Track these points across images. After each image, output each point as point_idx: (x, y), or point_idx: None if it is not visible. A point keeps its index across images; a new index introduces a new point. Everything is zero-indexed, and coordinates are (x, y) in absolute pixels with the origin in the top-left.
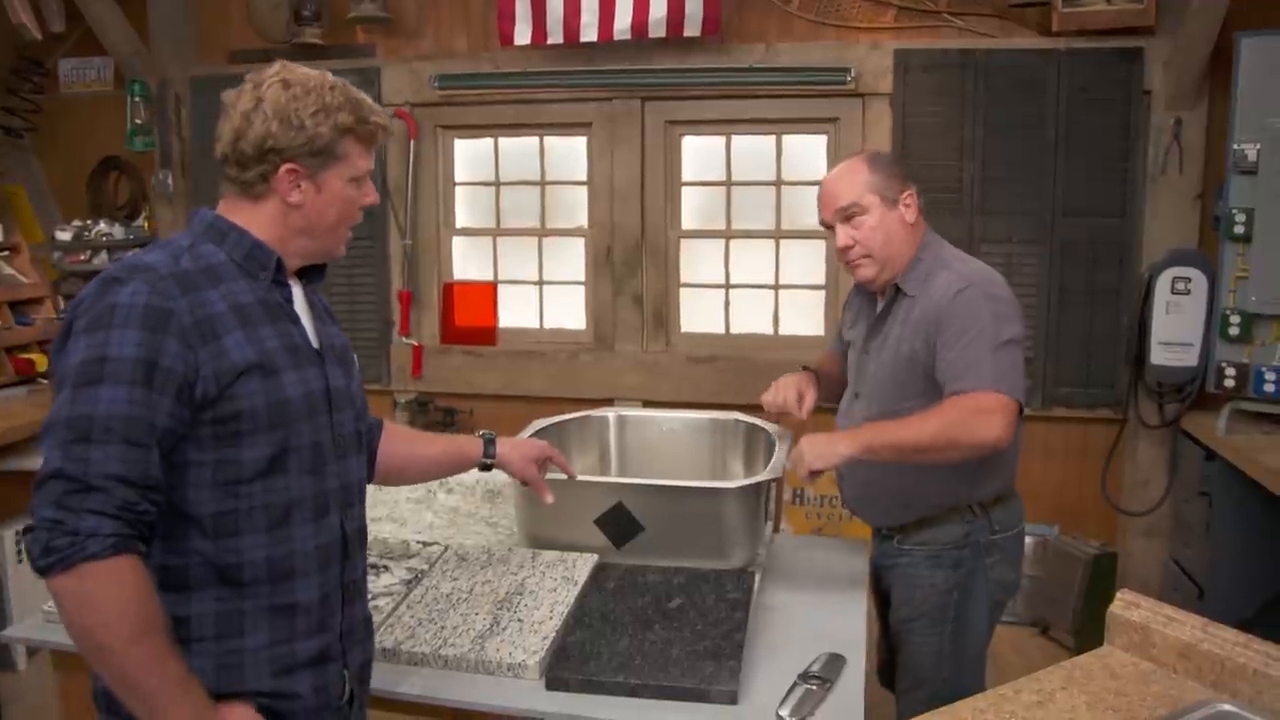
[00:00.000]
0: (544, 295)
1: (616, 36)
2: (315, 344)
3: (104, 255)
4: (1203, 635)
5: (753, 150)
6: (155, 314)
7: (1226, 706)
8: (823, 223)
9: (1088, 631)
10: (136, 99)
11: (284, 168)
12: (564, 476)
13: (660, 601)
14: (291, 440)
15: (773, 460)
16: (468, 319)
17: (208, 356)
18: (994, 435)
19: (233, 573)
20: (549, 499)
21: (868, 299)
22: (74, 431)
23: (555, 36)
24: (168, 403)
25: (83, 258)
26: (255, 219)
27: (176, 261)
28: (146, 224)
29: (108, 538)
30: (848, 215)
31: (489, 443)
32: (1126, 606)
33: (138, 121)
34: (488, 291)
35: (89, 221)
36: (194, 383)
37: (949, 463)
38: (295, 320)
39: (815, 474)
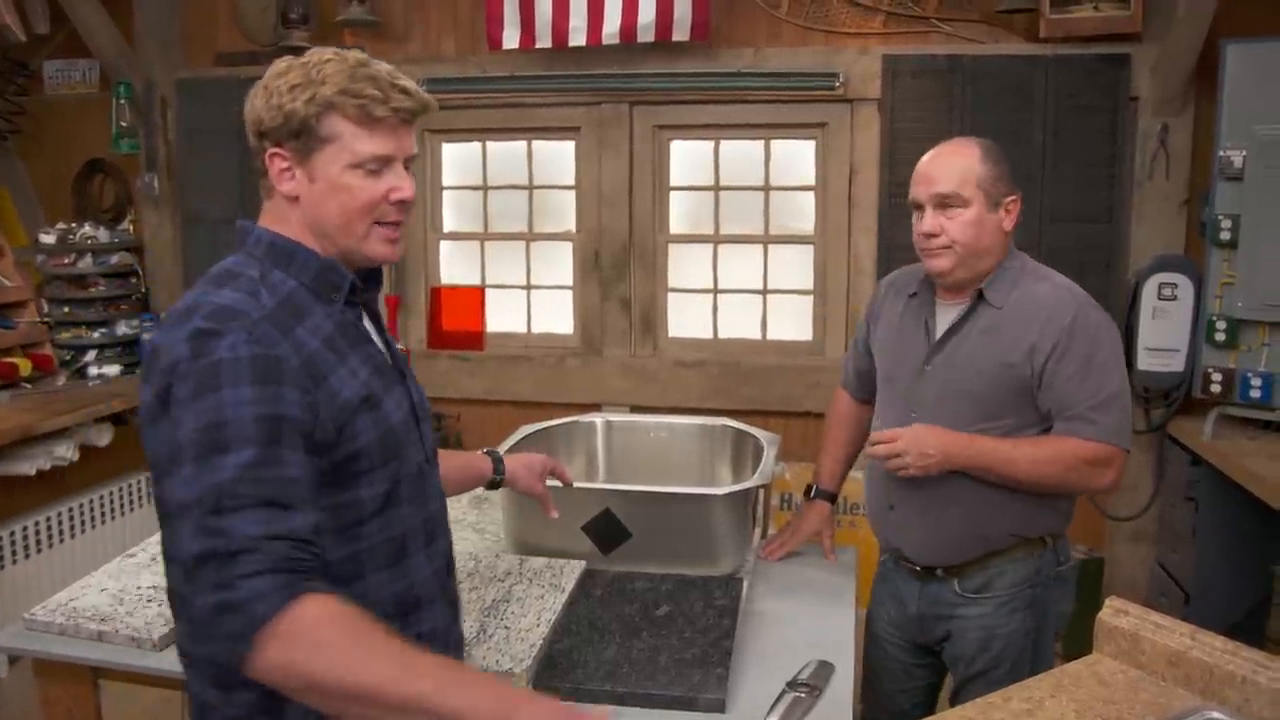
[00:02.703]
0: (532, 299)
1: (605, 41)
2: (390, 360)
3: (89, 258)
4: (1191, 643)
5: (741, 155)
6: (264, 363)
7: (1215, 714)
8: (912, 201)
9: (1075, 636)
10: (122, 101)
11: (269, 152)
12: (558, 485)
13: (648, 609)
14: (402, 469)
15: (761, 466)
16: (455, 323)
17: (323, 399)
18: (1106, 485)
19: None
20: (555, 514)
21: (917, 311)
22: (204, 507)
23: (544, 40)
24: (299, 456)
25: (67, 261)
26: (277, 220)
27: (258, 300)
28: (132, 227)
29: (273, 594)
30: (944, 203)
31: (498, 460)
32: (1115, 614)
33: (123, 124)
34: (475, 296)
35: (73, 224)
36: (313, 430)
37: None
38: (369, 339)
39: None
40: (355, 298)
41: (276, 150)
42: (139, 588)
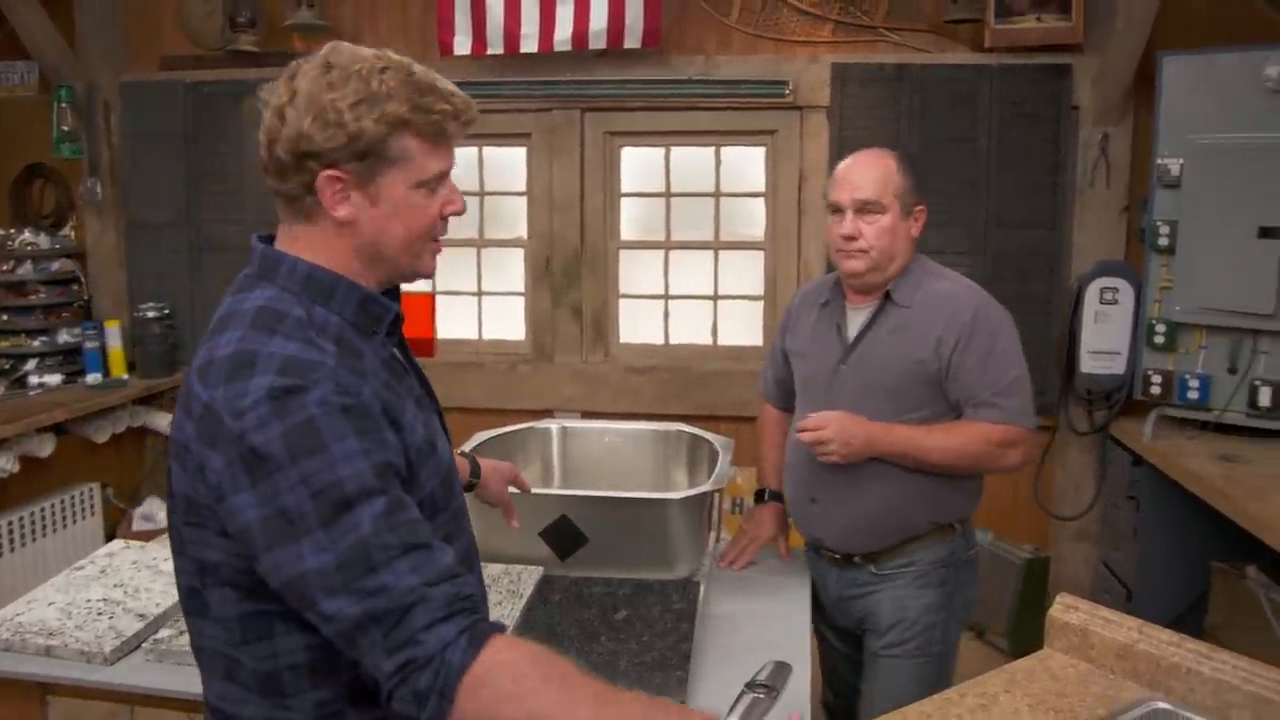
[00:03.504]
0: (483, 306)
1: (557, 47)
2: (422, 388)
3: (28, 265)
4: (1139, 636)
5: (692, 161)
6: (357, 412)
7: (1162, 704)
8: (833, 203)
9: (1022, 634)
10: (63, 104)
11: (323, 174)
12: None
13: (606, 613)
14: (453, 505)
15: (716, 470)
16: (406, 330)
17: (404, 444)
18: (1014, 464)
19: None
20: (516, 524)
21: (830, 317)
22: (352, 569)
23: (495, 47)
24: (410, 498)
25: (6, 268)
26: (316, 247)
27: (316, 346)
28: (73, 234)
29: (460, 637)
30: (864, 208)
31: (475, 463)
32: (1065, 610)
33: (64, 128)
34: (426, 302)
35: (12, 230)
36: (403, 475)
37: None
38: (407, 370)
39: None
40: (395, 328)
41: (333, 172)
42: (88, 601)
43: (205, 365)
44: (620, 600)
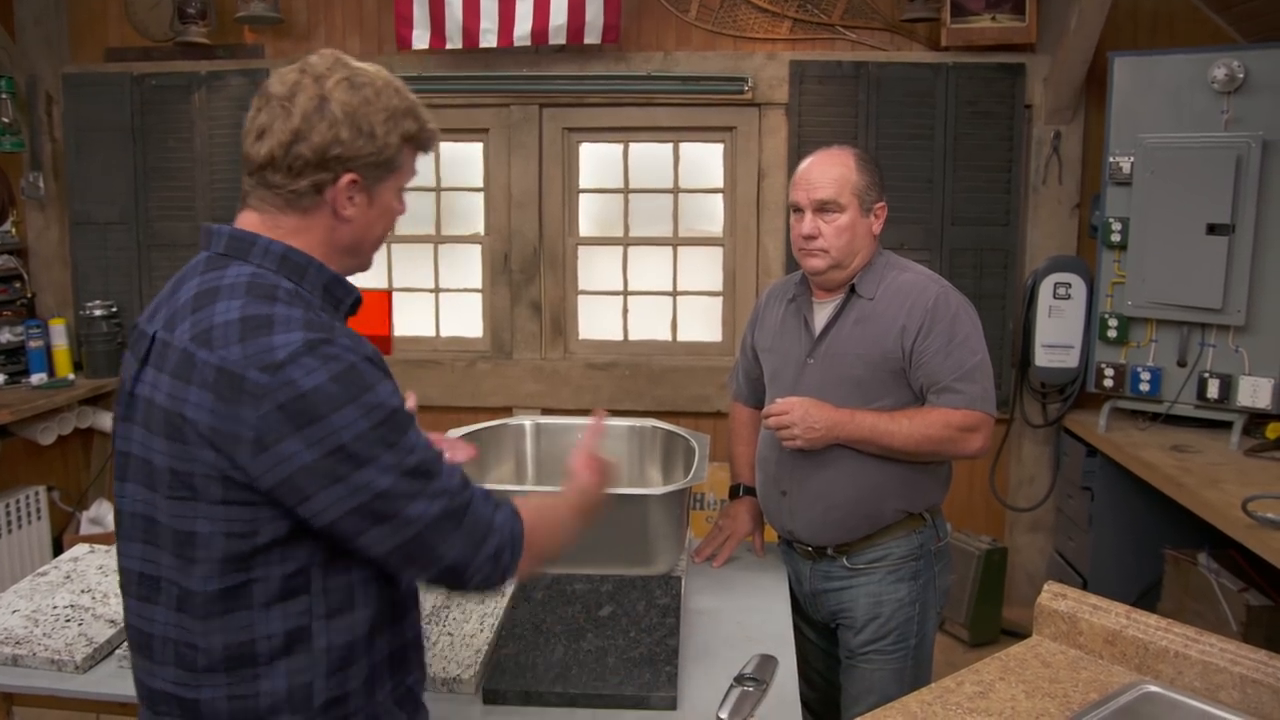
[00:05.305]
0: (440, 303)
1: (516, 43)
2: None
3: None
4: (1127, 622)
5: (650, 157)
6: (378, 362)
7: (1152, 688)
8: (793, 203)
9: (981, 624)
10: (4, 96)
11: (346, 178)
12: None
13: (591, 610)
14: None
15: (695, 466)
16: (362, 327)
17: None
18: (976, 448)
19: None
20: None
21: (796, 311)
22: (422, 479)
23: (454, 42)
24: None
25: None
26: (301, 236)
27: (314, 310)
28: (14, 229)
29: (511, 514)
30: (823, 208)
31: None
32: (1054, 597)
33: (5, 120)
34: (383, 299)
35: None
36: None
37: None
38: None
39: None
40: (351, 312)
41: (354, 176)
42: (54, 607)
43: (204, 331)
44: (604, 596)
